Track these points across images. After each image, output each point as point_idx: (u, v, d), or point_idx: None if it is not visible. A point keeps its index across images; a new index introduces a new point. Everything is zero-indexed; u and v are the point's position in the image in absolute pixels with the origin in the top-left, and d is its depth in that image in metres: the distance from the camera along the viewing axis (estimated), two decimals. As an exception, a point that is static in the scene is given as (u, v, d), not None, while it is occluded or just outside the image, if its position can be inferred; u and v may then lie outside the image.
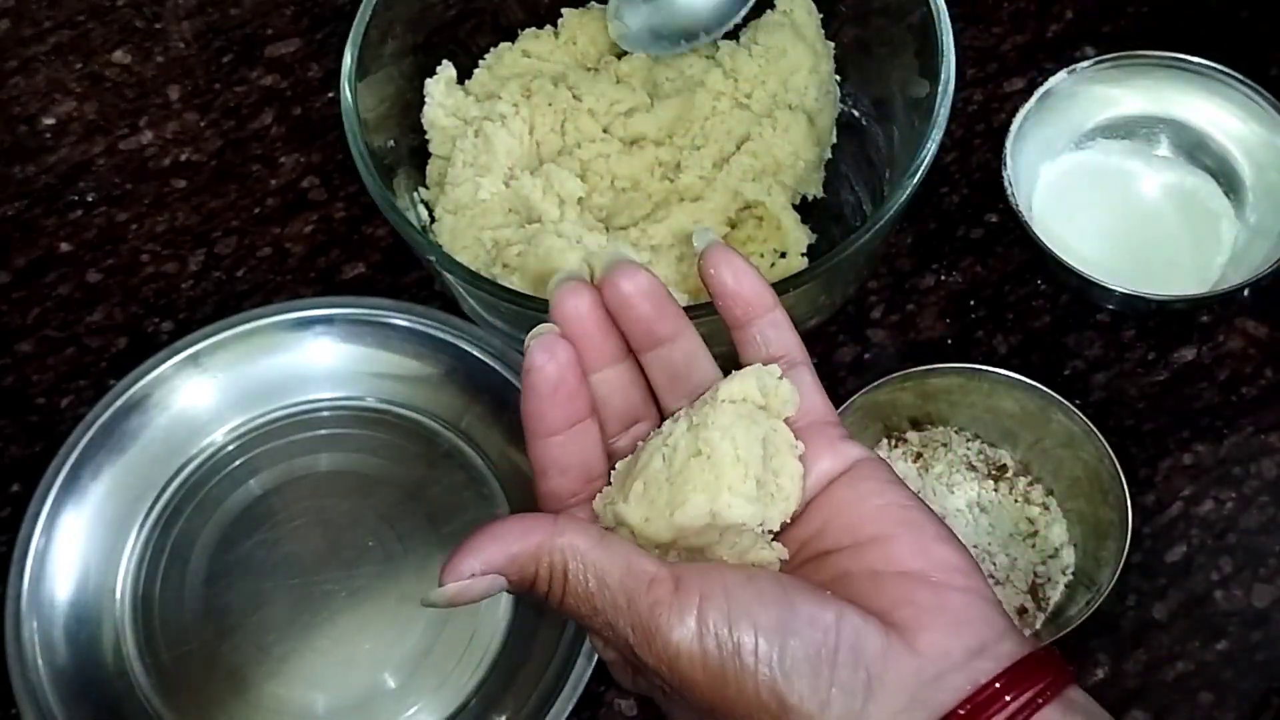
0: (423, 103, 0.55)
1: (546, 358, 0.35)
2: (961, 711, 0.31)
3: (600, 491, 0.36)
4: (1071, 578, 0.50)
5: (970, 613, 0.32)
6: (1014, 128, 0.55)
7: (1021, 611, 0.49)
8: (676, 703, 0.34)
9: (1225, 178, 0.56)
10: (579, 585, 0.32)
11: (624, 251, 0.39)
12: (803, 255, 0.53)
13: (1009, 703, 0.31)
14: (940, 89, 0.48)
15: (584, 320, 0.36)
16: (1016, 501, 0.51)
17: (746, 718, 0.31)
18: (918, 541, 0.34)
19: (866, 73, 0.56)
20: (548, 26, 0.58)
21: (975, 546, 0.50)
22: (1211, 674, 0.49)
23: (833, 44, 0.56)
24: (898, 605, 0.32)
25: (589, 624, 0.33)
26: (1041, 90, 0.55)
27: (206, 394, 0.54)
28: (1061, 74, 0.56)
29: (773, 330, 0.37)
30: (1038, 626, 0.49)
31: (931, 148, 0.47)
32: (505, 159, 0.53)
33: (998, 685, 0.31)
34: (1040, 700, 0.31)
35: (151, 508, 0.52)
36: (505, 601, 0.50)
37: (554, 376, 0.35)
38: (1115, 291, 0.52)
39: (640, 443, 0.37)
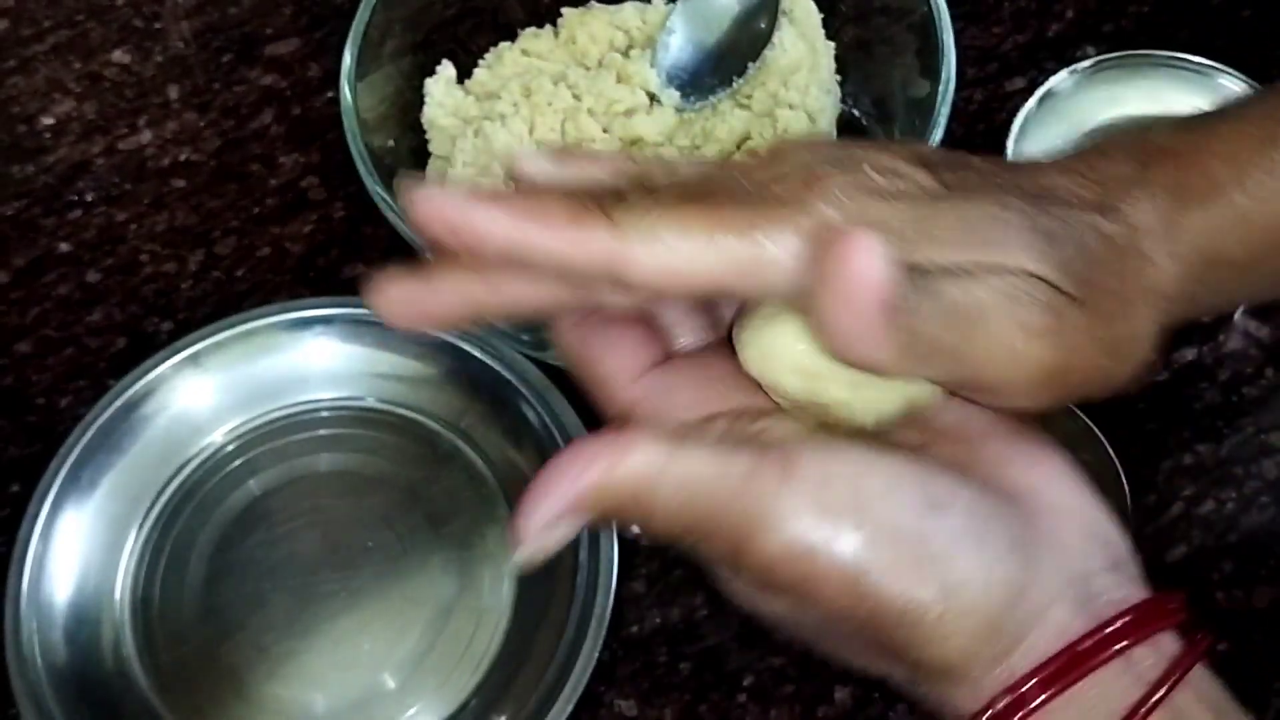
0: (422, 102, 0.55)
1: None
2: (1125, 619, 0.29)
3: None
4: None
5: (1105, 529, 0.31)
6: (1015, 127, 0.55)
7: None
8: (808, 622, 0.31)
9: (1226, 177, 0.56)
10: (667, 505, 0.28)
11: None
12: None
13: (1163, 623, 0.30)
14: (941, 88, 0.48)
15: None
16: (1017, 502, 0.51)
17: (891, 615, 0.28)
18: (1043, 448, 0.32)
19: (867, 72, 0.56)
20: (547, 26, 0.58)
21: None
22: (1213, 675, 0.49)
23: (833, 43, 0.56)
24: (1030, 492, 0.30)
25: (689, 545, 0.30)
26: (1042, 90, 0.55)
27: (206, 394, 0.53)
28: (1063, 74, 0.56)
29: None
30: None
31: (932, 147, 0.47)
32: (505, 159, 0.52)
33: (1146, 606, 0.29)
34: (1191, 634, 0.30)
35: (151, 508, 0.52)
36: (505, 602, 0.50)
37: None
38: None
39: None
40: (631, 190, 0.30)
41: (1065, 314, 0.29)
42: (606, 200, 0.29)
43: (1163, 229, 0.31)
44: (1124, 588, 0.30)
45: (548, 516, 0.29)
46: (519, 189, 0.32)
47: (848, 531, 0.28)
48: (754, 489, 0.28)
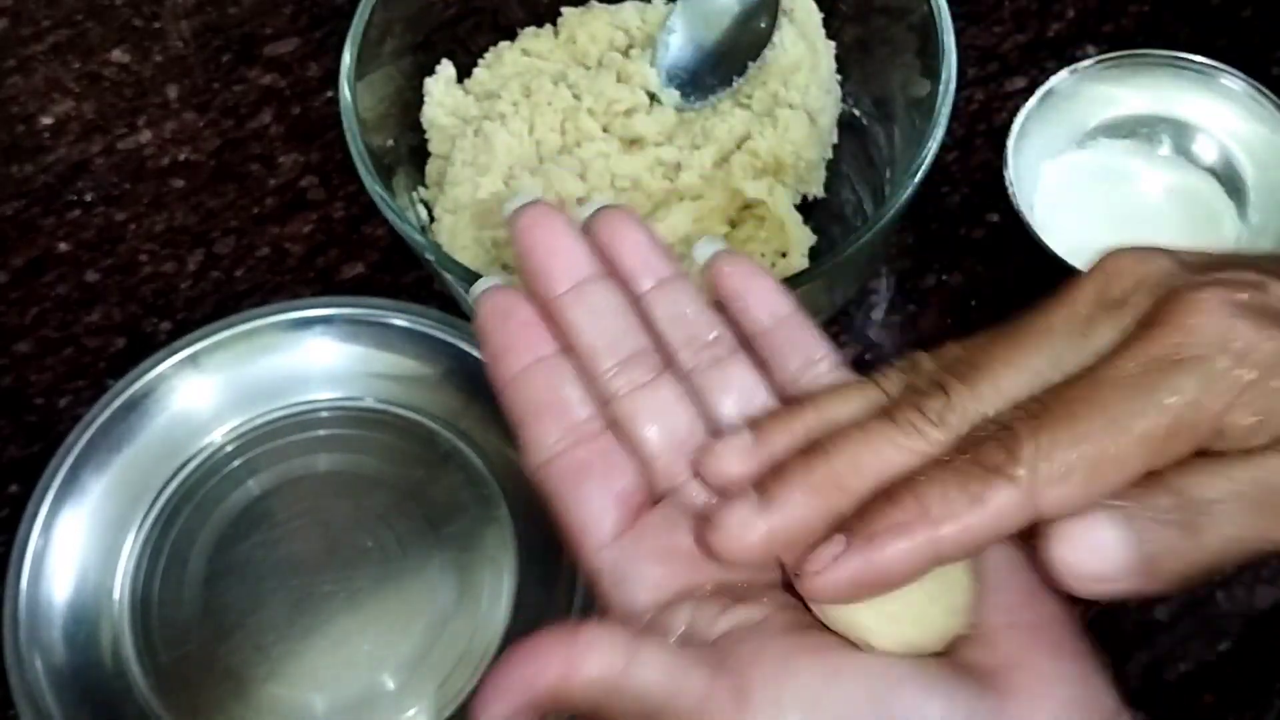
0: (422, 102, 0.55)
1: (493, 294, 0.32)
2: None
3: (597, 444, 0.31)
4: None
5: (1088, 687, 0.29)
6: (1015, 127, 0.55)
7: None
8: None
9: (1227, 177, 0.56)
10: (623, 715, 0.28)
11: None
12: (804, 255, 0.53)
13: None
14: (941, 88, 0.48)
15: (552, 229, 0.32)
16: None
17: None
18: (1027, 585, 0.30)
19: (867, 72, 0.56)
20: (547, 25, 0.58)
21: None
22: (1214, 675, 0.49)
23: (833, 43, 0.56)
24: (1010, 668, 0.29)
25: None
26: (1043, 89, 0.55)
27: (205, 394, 0.53)
28: (1063, 73, 0.56)
29: (800, 333, 0.33)
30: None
31: (933, 147, 0.47)
32: (505, 158, 0.52)
33: None
34: None
35: (150, 508, 0.52)
36: (505, 602, 0.50)
37: (502, 306, 0.32)
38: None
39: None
40: (958, 414, 0.28)
41: None
42: (987, 451, 0.27)
43: None
44: None
45: (504, 711, 0.29)
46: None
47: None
48: (708, 715, 0.27)
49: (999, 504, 0.26)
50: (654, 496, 0.32)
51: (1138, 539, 0.26)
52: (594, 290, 0.33)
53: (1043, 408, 0.27)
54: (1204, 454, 0.26)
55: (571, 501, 0.32)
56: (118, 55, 0.65)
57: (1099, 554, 0.26)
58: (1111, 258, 0.29)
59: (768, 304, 0.34)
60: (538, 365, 0.32)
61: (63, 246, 0.60)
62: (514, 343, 0.32)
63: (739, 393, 0.32)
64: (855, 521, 0.27)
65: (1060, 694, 0.28)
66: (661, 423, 0.32)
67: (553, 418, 0.32)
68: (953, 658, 0.29)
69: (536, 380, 0.32)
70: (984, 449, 0.27)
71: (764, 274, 0.34)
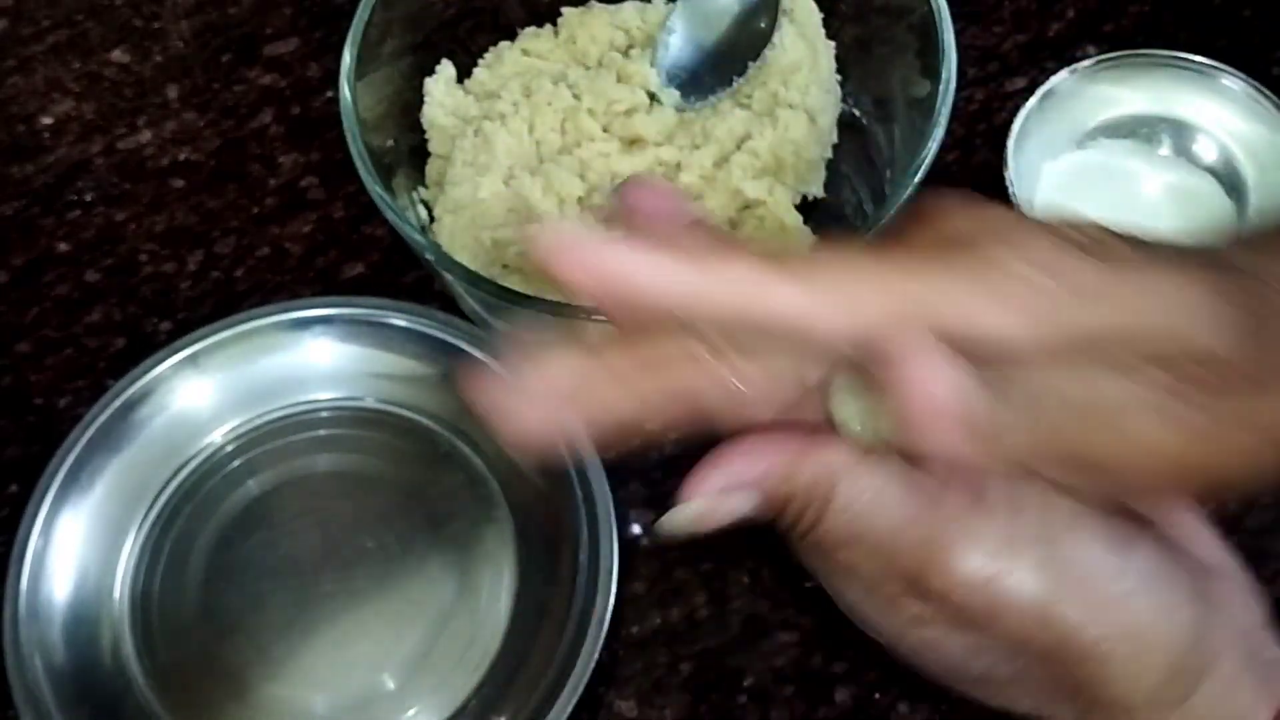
0: (422, 102, 0.55)
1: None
2: None
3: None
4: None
5: (1253, 590, 0.31)
6: (1016, 127, 0.55)
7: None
8: (980, 661, 0.29)
9: (1227, 178, 0.56)
10: (846, 508, 0.27)
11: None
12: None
13: None
14: (941, 88, 0.48)
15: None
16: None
17: (1079, 649, 0.27)
18: (1185, 511, 0.31)
19: (867, 72, 0.56)
20: (547, 25, 0.58)
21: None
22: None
23: (833, 43, 0.56)
24: (1195, 548, 0.30)
25: (843, 557, 0.28)
26: (1043, 89, 0.55)
27: (205, 394, 0.53)
28: (1063, 73, 0.56)
29: None
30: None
31: (933, 147, 0.47)
32: (505, 158, 0.52)
33: None
34: None
35: (150, 508, 0.52)
36: (505, 602, 0.50)
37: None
38: (1117, 291, 0.51)
39: None
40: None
41: (1215, 399, 0.27)
42: (793, 259, 0.27)
43: None
44: (1273, 647, 0.30)
45: (723, 483, 0.28)
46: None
47: (1037, 562, 0.27)
48: (942, 511, 0.27)
49: (780, 292, 0.26)
50: None
51: (987, 394, 0.26)
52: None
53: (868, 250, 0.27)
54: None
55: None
56: (118, 55, 0.65)
57: (952, 390, 0.26)
58: (949, 207, 0.29)
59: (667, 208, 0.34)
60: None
61: (62, 246, 0.60)
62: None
63: None
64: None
65: (1234, 581, 0.30)
66: None
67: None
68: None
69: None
70: (789, 258, 0.27)
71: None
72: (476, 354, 0.53)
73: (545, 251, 0.26)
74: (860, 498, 0.27)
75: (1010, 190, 0.53)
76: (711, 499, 0.28)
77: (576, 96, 0.54)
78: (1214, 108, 0.56)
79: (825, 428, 0.29)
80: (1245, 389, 0.27)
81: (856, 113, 0.56)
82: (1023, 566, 0.27)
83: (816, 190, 0.55)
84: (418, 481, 0.52)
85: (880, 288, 0.26)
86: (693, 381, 0.27)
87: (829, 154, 0.55)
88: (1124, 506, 0.30)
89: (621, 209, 0.32)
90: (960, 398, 0.26)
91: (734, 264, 0.26)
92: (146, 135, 0.63)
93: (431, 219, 0.54)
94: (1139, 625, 0.28)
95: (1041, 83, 0.56)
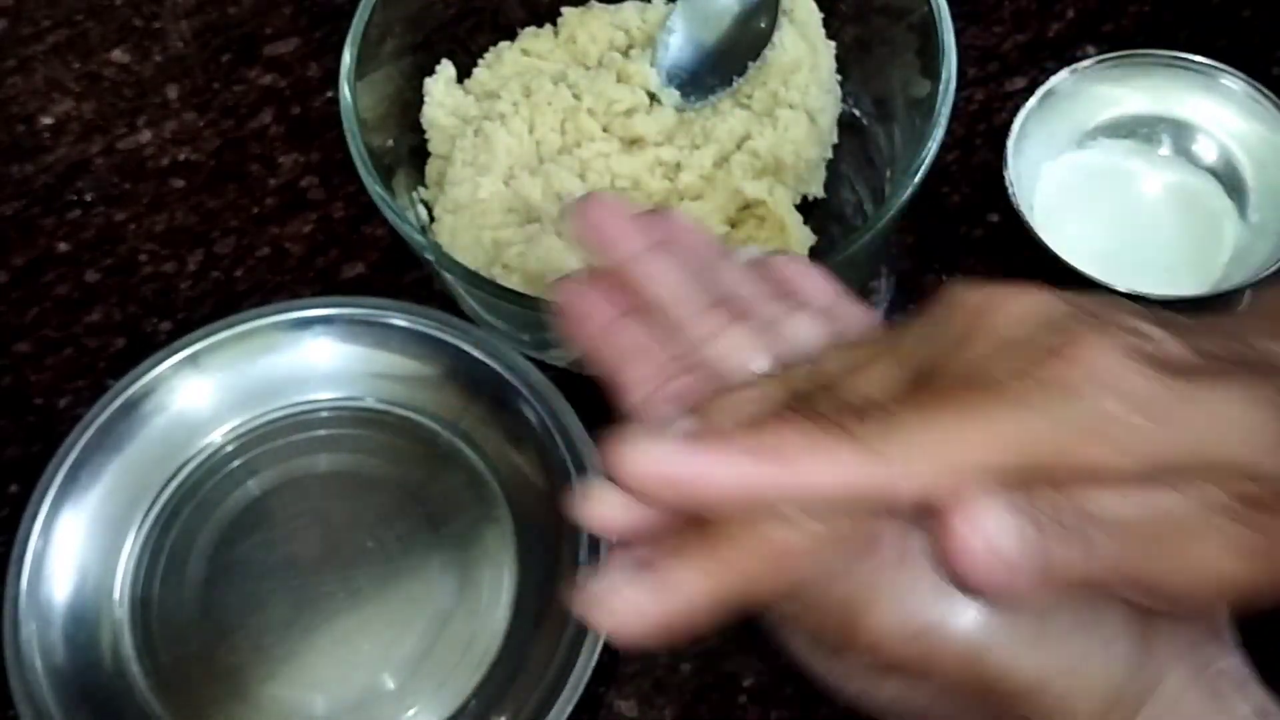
0: (422, 102, 0.55)
1: (567, 280, 0.32)
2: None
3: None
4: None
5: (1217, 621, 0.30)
6: (1015, 127, 0.55)
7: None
8: (919, 701, 0.29)
9: (1227, 177, 0.56)
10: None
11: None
12: (804, 256, 0.53)
13: None
14: (941, 88, 0.48)
15: (616, 209, 0.32)
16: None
17: (1014, 691, 0.27)
18: None
19: (867, 72, 0.56)
20: (547, 25, 0.58)
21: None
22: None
23: (833, 43, 0.56)
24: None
25: (779, 612, 0.29)
26: (1043, 90, 0.55)
27: (205, 394, 0.53)
28: (1063, 73, 0.56)
29: (854, 308, 0.34)
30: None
31: (933, 147, 0.47)
32: (505, 158, 0.52)
33: None
34: None
35: (150, 508, 0.52)
36: (505, 602, 0.50)
37: (577, 285, 0.32)
38: (1117, 292, 0.51)
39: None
40: (833, 395, 0.28)
41: (1275, 520, 0.27)
42: (845, 417, 0.26)
43: None
44: (1226, 656, 0.30)
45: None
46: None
47: (965, 609, 0.27)
48: (872, 560, 0.27)
49: (842, 466, 0.25)
50: None
51: (1034, 532, 0.26)
52: (664, 252, 0.33)
53: (917, 392, 0.27)
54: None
55: None
56: (118, 55, 0.65)
57: (995, 537, 0.25)
58: (999, 293, 0.28)
59: (819, 287, 0.34)
60: (623, 319, 0.32)
61: (63, 246, 0.60)
62: (597, 305, 0.32)
63: (812, 337, 0.32)
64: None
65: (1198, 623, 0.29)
66: (747, 359, 0.31)
67: (643, 357, 0.32)
68: None
69: (624, 328, 0.32)
70: (843, 416, 0.26)
71: (812, 264, 0.35)
72: (476, 354, 0.53)
73: (617, 460, 0.25)
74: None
75: (1010, 190, 0.53)
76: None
77: (576, 96, 0.54)
78: (1214, 108, 0.56)
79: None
80: None
81: (856, 113, 0.56)
82: (951, 616, 0.27)
83: (816, 190, 0.55)
84: (418, 481, 0.52)
85: (985, 450, 0.25)
86: (771, 550, 0.26)
87: (829, 154, 0.55)
88: None
89: (582, 228, 0.33)
90: (1004, 546, 0.25)
91: (813, 453, 0.25)
92: (146, 135, 0.63)
93: (431, 219, 0.54)
94: (1072, 661, 0.28)
95: (1041, 83, 0.56)
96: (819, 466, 0.25)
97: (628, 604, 0.26)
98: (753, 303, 0.33)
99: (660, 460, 0.25)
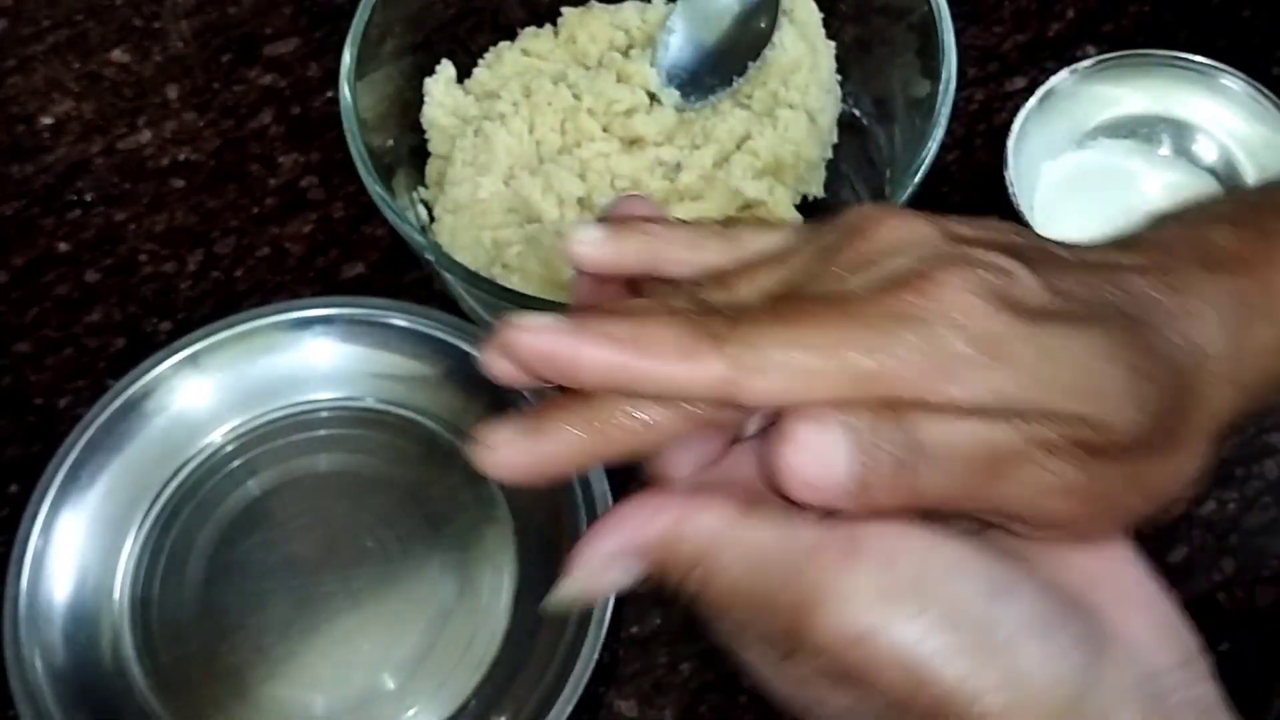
0: (422, 102, 0.55)
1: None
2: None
3: None
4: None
5: (1176, 623, 0.30)
6: (1015, 127, 0.55)
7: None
8: (847, 704, 0.29)
9: (1227, 178, 0.56)
10: (728, 570, 0.28)
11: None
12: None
13: None
14: (941, 88, 0.48)
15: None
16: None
17: (955, 704, 0.27)
18: (1110, 538, 0.30)
19: (867, 72, 0.56)
20: (547, 25, 0.58)
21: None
22: (1213, 675, 0.49)
23: (833, 43, 0.56)
24: (1096, 585, 0.29)
25: (732, 618, 0.29)
26: (1043, 90, 0.55)
27: (205, 394, 0.53)
28: (1063, 73, 0.56)
29: None
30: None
31: (933, 147, 0.47)
32: (505, 158, 0.52)
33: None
34: None
35: (150, 508, 0.52)
36: (505, 602, 0.50)
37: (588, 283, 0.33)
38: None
39: None
40: (720, 290, 0.30)
41: (1104, 465, 0.28)
42: (713, 320, 0.28)
43: (1228, 354, 0.30)
44: (1195, 685, 0.29)
45: (605, 552, 0.29)
46: (583, 280, 0.33)
47: (910, 614, 0.27)
48: (817, 564, 0.27)
49: (702, 368, 0.27)
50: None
51: (860, 459, 0.27)
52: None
53: (782, 305, 0.29)
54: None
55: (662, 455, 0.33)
56: (118, 55, 0.65)
57: (821, 460, 0.27)
58: (876, 215, 0.30)
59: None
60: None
61: (63, 246, 0.60)
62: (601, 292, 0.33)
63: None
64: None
65: (1147, 616, 0.29)
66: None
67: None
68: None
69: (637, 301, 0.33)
70: (712, 321, 0.28)
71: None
72: (476, 354, 0.53)
73: (503, 339, 0.29)
74: (737, 565, 0.28)
75: (1010, 190, 0.53)
76: (592, 574, 0.29)
77: (576, 96, 0.54)
78: (1214, 108, 0.56)
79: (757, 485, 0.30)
80: (1133, 453, 0.28)
81: (856, 113, 0.56)
82: (896, 621, 0.27)
83: (816, 190, 0.55)
84: (418, 481, 0.52)
85: (830, 371, 0.27)
86: (623, 426, 0.29)
87: (829, 154, 0.55)
88: (1015, 549, 0.29)
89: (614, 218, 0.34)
90: (829, 465, 0.27)
91: (676, 349, 0.28)
92: (146, 135, 0.63)
93: (431, 219, 0.54)
94: (1017, 674, 0.27)
95: (1041, 83, 0.56)
96: (678, 364, 0.27)
97: (509, 444, 0.29)
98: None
99: (539, 337, 0.28)
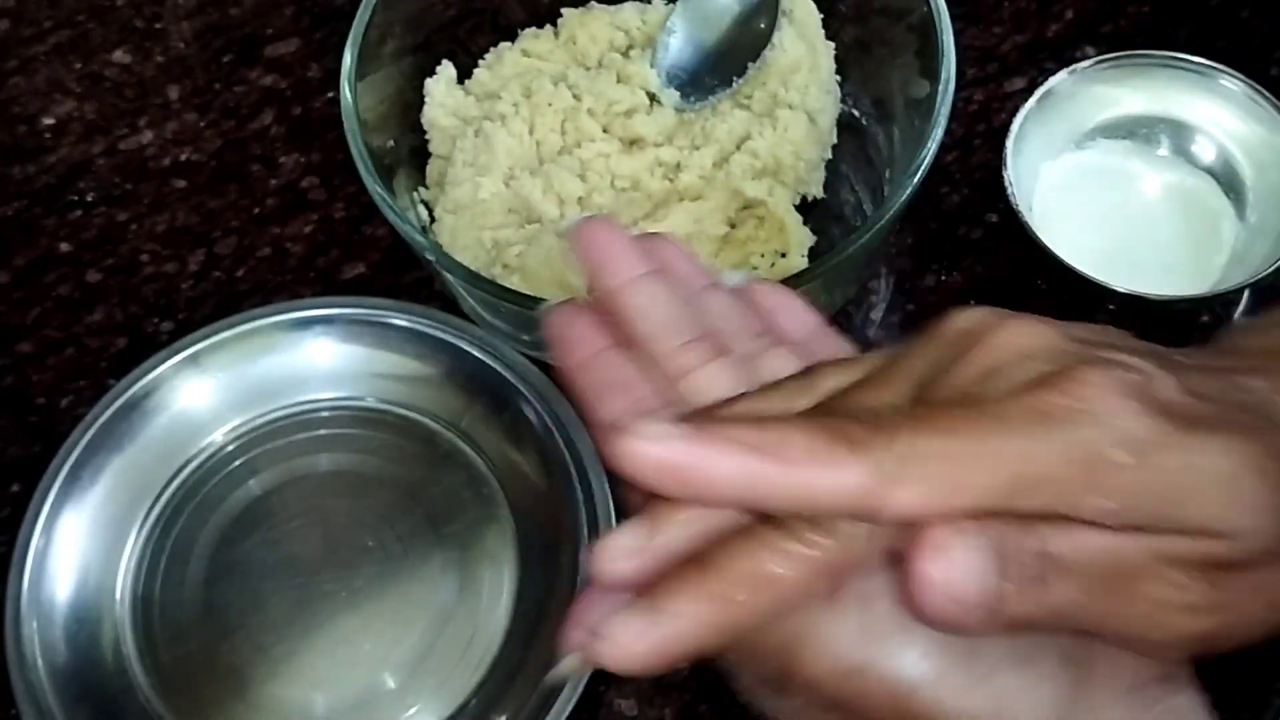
0: (422, 103, 0.55)
1: (559, 307, 0.33)
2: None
3: None
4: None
5: None
6: (1014, 127, 0.55)
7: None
8: None
9: (1226, 178, 0.56)
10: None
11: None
12: (803, 255, 0.53)
13: None
14: (940, 89, 0.48)
15: (612, 233, 0.34)
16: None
17: None
18: None
19: (866, 72, 0.56)
20: (547, 26, 0.58)
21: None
22: (1213, 675, 0.49)
23: (833, 43, 0.56)
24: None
25: (733, 662, 0.30)
26: (1042, 90, 0.55)
27: (206, 394, 0.53)
28: (1062, 74, 0.56)
29: (831, 341, 0.35)
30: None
31: (932, 147, 0.47)
32: (505, 159, 0.53)
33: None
34: None
35: (151, 508, 0.52)
36: (505, 602, 0.50)
37: (569, 312, 0.33)
38: (1116, 292, 0.51)
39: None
40: (846, 405, 0.28)
41: (1236, 580, 0.27)
42: (849, 425, 0.26)
43: None
44: (1175, 695, 0.30)
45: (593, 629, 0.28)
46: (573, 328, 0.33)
47: (894, 649, 0.27)
48: (800, 608, 0.27)
49: (843, 474, 0.25)
50: None
51: (998, 572, 0.25)
52: (654, 281, 0.34)
53: (919, 410, 0.27)
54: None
55: None
56: (119, 56, 0.65)
57: (962, 573, 0.25)
58: (991, 322, 0.28)
59: (799, 319, 0.35)
60: (606, 351, 0.33)
61: (64, 247, 0.60)
62: (585, 335, 0.33)
63: (788, 372, 0.33)
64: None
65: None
66: (722, 395, 0.32)
67: (622, 391, 0.32)
68: None
69: (607, 362, 0.33)
70: (848, 425, 0.26)
71: (794, 294, 0.36)
72: (476, 354, 0.53)
73: (623, 446, 0.26)
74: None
75: (1009, 190, 0.53)
76: (586, 648, 0.28)
77: (576, 97, 0.54)
78: (1212, 108, 0.56)
79: None
80: (1262, 564, 0.27)
81: (856, 113, 0.57)
82: (878, 658, 0.27)
83: (816, 190, 0.55)
84: (418, 481, 0.52)
85: (981, 476, 0.25)
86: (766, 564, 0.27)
87: (829, 154, 0.55)
88: None
89: (580, 249, 0.34)
90: (964, 586, 0.25)
91: (815, 455, 0.25)
92: (148, 136, 0.63)
93: (432, 219, 0.54)
94: (998, 705, 0.28)
95: (1040, 83, 0.56)
96: (820, 469, 0.25)
97: (628, 632, 0.26)
98: (734, 338, 0.34)
99: (663, 447, 0.26)
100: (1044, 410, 0.26)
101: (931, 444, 0.26)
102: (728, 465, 0.25)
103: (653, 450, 0.26)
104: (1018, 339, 0.28)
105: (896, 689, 0.27)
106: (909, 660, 0.27)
